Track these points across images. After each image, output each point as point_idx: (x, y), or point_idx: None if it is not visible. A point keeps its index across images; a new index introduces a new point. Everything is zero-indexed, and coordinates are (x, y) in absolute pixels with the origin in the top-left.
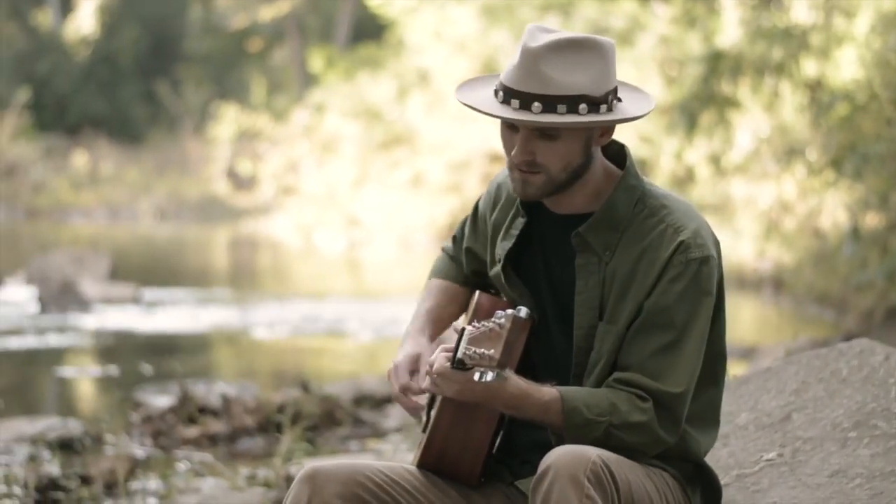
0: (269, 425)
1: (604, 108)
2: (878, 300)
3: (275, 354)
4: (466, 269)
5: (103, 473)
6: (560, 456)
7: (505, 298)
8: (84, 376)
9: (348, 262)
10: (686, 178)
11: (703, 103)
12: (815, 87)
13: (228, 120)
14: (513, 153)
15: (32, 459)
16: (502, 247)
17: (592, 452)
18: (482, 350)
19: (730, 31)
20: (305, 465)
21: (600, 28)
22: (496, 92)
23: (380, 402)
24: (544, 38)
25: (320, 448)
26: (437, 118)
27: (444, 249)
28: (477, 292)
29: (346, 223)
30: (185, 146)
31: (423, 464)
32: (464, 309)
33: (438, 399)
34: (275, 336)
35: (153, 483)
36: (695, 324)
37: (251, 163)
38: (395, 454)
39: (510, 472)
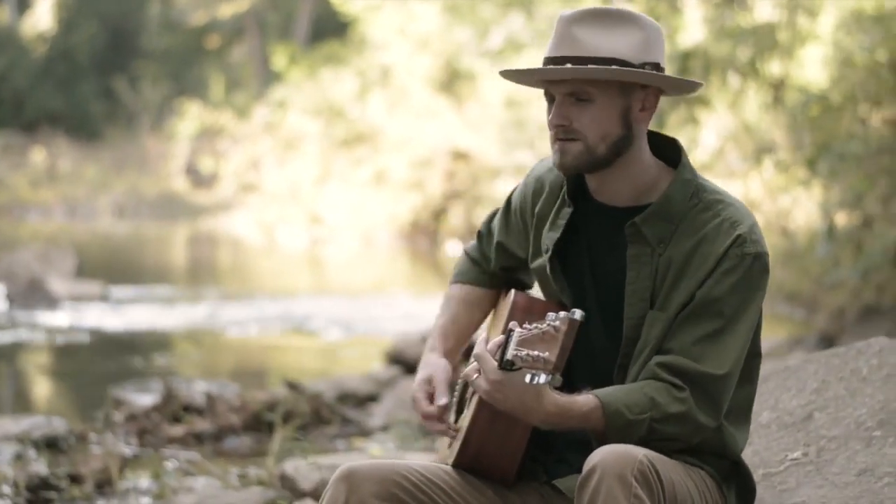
0: (255, 424)
1: (635, 73)
2: (851, 299)
3: (246, 352)
4: (494, 265)
5: (93, 472)
6: (606, 455)
7: (541, 292)
8: (57, 374)
9: (311, 260)
10: None
11: (673, 102)
12: (778, 86)
13: (191, 117)
14: (549, 119)
15: (19, 458)
16: (549, 237)
17: (639, 452)
18: (536, 352)
19: (693, 29)
20: (341, 466)
21: None
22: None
23: (363, 401)
24: (580, 9)
25: (311, 447)
26: (399, 116)
27: (465, 251)
28: (513, 291)
29: (309, 220)
30: (144, 143)
31: (458, 463)
32: (488, 313)
33: (474, 399)
34: (245, 334)
35: (144, 482)
36: (743, 316)
37: (213, 160)
38: (388, 453)
39: (544, 471)
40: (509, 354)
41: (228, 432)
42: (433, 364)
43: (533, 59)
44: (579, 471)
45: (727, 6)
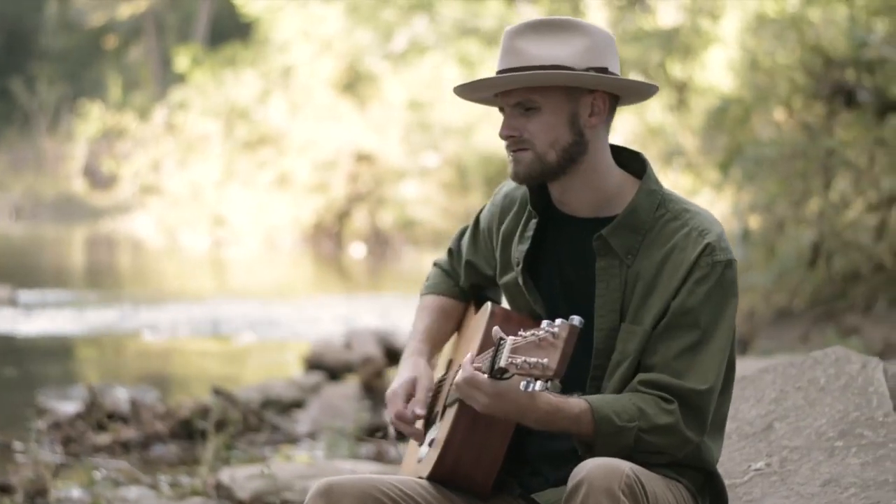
0: (181, 431)
1: (569, 75)
2: (764, 302)
3: (162, 357)
4: (464, 282)
5: (23, 482)
6: (593, 469)
7: (514, 306)
8: None
9: (214, 262)
10: None
11: None
12: (682, 89)
13: (93, 118)
14: (500, 131)
15: None
16: (520, 250)
17: (625, 465)
18: (534, 359)
19: None
20: (320, 481)
21: (468, 29)
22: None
23: (287, 407)
24: (524, 21)
25: (241, 455)
26: (302, 118)
27: (436, 263)
28: (488, 304)
29: (211, 223)
30: (41, 144)
31: (434, 475)
32: (458, 324)
33: (451, 412)
34: (158, 338)
35: (75, 492)
36: (720, 324)
37: (113, 161)
38: (316, 461)
39: (519, 484)
40: (503, 362)
41: (155, 440)
42: (420, 369)
43: (436, 62)
44: (555, 484)
45: (629, 9)
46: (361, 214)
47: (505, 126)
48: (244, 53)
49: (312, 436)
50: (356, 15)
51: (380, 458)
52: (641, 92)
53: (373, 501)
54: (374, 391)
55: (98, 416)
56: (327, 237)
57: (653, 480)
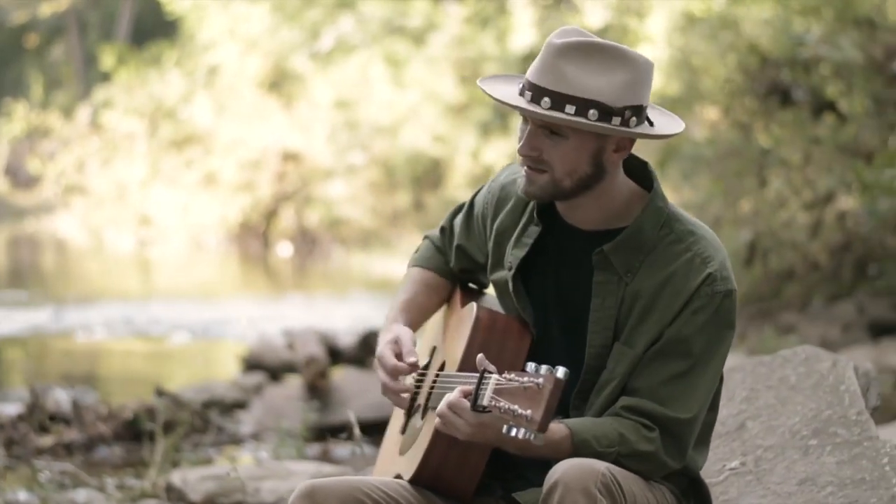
0: (125, 433)
1: (617, 120)
2: None
3: (97, 358)
4: (454, 265)
5: None
6: (569, 469)
7: (502, 303)
8: None
9: (140, 262)
10: (483, 177)
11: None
12: None
13: (17, 117)
14: (520, 146)
15: None
16: (515, 255)
17: (601, 465)
18: (516, 408)
19: (524, 32)
20: (303, 483)
21: (395, 27)
22: (521, 86)
23: (229, 407)
24: (571, 38)
25: (192, 457)
26: (229, 117)
27: (428, 237)
28: (475, 306)
29: (137, 222)
30: None
31: (416, 480)
32: (445, 300)
33: (433, 415)
34: (92, 339)
35: (22, 495)
36: (713, 356)
37: (37, 161)
38: (263, 462)
39: (502, 486)
40: (485, 401)
41: (98, 442)
42: (398, 329)
43: (362, 61)
44: (539, 485)
45: (555, 8)
46: (288, 213)
47: (526, 144)
48: (169, 52)
49: (256, 437)
50: (281, 14)
51: (327, 458)
52: (662, 138)
53: (355, 503)
54: (318, 391)
55: (40, 417)
56: (254, 236)
57: (631, 480)
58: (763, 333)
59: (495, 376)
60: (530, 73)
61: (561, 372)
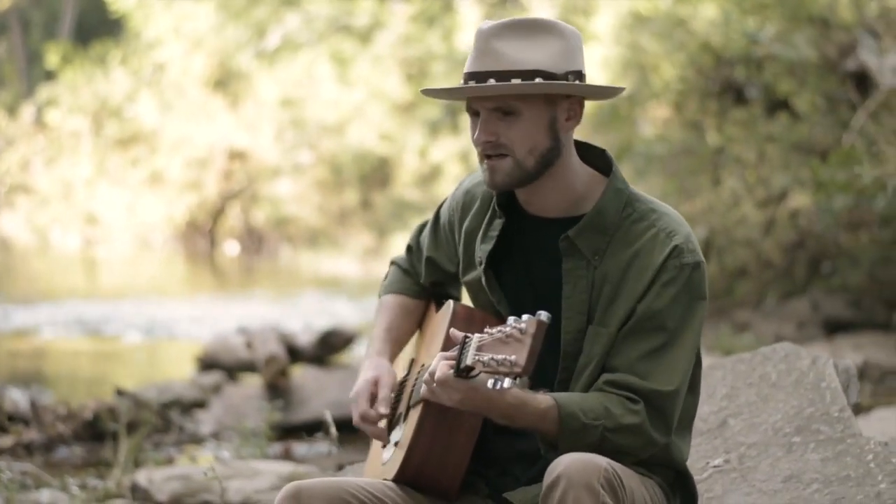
0: (85, 433)
1: (562, 85)
2: None
3: (49, 358)
4: (425, 279)
5: None
6: (571, 464)
7: (477, 304)
8: None
9: (86, 261)
10: (431, 176)
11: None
12: None
13: None
14: (476, 136)
15: None
16: (483, 249)
17: (602, 460)
18: (501, 356)
19: (469, 30)
20: (288, 484)
21: (341, 26)
22: (462, 81)
23: (188, 407)
24: (498, 20)
25: (156, 457)
26: (174, 115)
27: (394, 262)
28: (451, 302)
29: (83, 221)
30: None
31: (400, 477)
32: (419, 323)
33: (415, 413)
34: (42, 339)
35: None
36: (687, 328)
37: None
38: (224, 461)
39: (486, 484)
40: (469, 360)
41: (58, 442)
42: (382, 367)
43: (309, 59)
44: (527, 483)
45: (501, 6)
46: (235, 212)
47: (482, 131)
48: (114, 51)
49: (217, 436)
50: (227, 12)
51: (288, 457)
52: (610, 94)
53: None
54: (278, 390)
55: None
56: (200, 235)
57: (629, 475)
58: (718, 331)
59: (477, 335)
60: (468, 66)
61: (544, 316)
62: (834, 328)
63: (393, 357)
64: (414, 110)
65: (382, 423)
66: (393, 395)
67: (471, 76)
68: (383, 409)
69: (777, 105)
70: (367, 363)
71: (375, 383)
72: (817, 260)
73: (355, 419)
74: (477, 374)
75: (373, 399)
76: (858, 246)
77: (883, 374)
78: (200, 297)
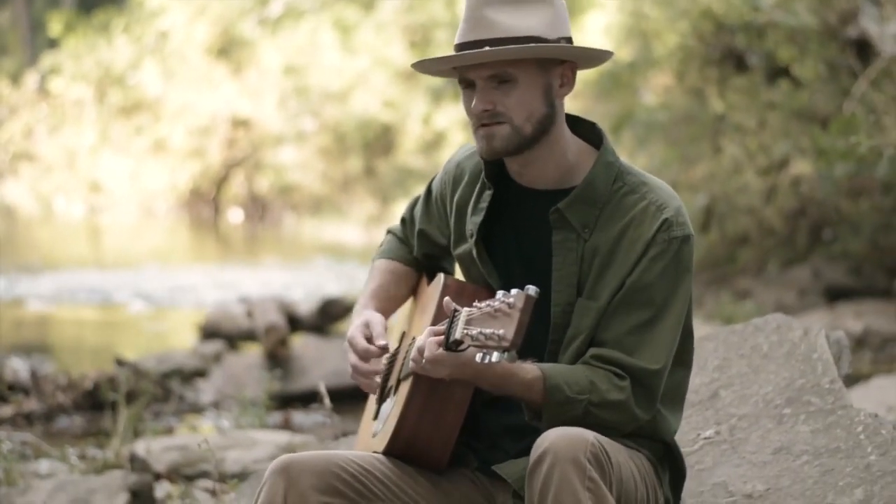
0: (85, 403)
1: (558, 48)
2: None
3: (54, 327)
4: (417, 251)
5: None
6: (557, 438)
7: (469, 277)
8: None
9: (91, 229)
10: (434, 143)
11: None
12: None
13: None
14: (472, 105)
15: None
16: (473, 221)
17: (589, 434)
18: (489, 330)
19: None
20: (278, 458)
21: None
22: (455, 51)
23: (189, 376)
24: None
25: (155, 427)
26: (178, 83)
27: (390, 231)
28: (441, 275)
29: (87, 190)
30: None
31: (391, 450)
32: (413, 290)
33: (406, 385)
34: (48, 308)
35: None
36: (674, 302)
37: None
38: (224, 431)
39: (476, 457)
40: (458, 334)
41: (59, 412)
42: (369, 314)
43: (312, 27)
44: (516, 456)
45: None
46: (238, 180)
47: (480, 100)
48: (118, 19)
49: (217, 405)
50: None
51: (288, 426)
52: (601, 59)
53: (331, 477)
54: (278, 359)
55: None
56: (204, 203)
57: (616, 449)
58: (720, 299)
59: (465, 309)
60: (460, 36)
61: (532, 290)
62: (835, 295)
63: (382, 311)
64: (417, 77)
65: (381, 361)
66: (385, 331)
67: (464, 46)
68: (381, 341)
69: (778, 72)
70: (356, 315)
71: (367, 325)
72: (818, 227)
73: (354, 360)
74: (466, 348)
75: (368, 340)
76: (859, 213)
77: (883, 341)
78: (203, 266)
